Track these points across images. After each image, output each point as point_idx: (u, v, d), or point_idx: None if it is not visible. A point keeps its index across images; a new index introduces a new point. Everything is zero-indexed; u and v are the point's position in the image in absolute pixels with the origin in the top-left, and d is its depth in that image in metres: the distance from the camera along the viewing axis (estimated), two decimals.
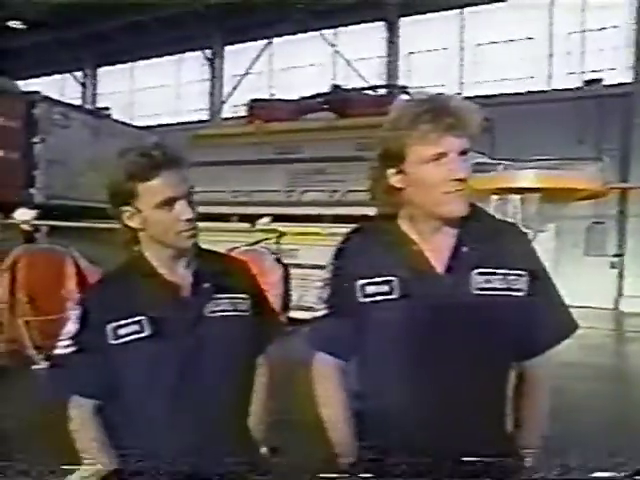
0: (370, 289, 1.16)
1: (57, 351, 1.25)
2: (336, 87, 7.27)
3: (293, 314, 5.23)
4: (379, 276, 1.16)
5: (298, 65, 10.24)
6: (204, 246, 1.38)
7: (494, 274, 1.14)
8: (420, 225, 1.17)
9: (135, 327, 1.23)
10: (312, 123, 6.43)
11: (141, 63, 11.79)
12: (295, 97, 7.38)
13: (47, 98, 6.44)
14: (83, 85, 12.47)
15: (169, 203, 1.23)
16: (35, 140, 6.13)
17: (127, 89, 12.02)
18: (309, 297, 5.63)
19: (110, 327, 1.23)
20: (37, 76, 12.18)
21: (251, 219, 6.31)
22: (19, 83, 6.84)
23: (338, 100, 6.73)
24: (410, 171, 1.13)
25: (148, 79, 11.65)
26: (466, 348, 1.12)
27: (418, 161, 1.11)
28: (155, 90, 11.61)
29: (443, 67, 9.49)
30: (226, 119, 9.79)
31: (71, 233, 5.14)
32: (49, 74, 12.49)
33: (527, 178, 2.40)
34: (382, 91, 7.60)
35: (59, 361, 1.24)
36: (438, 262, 1.15)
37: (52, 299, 4.29)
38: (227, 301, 1.31)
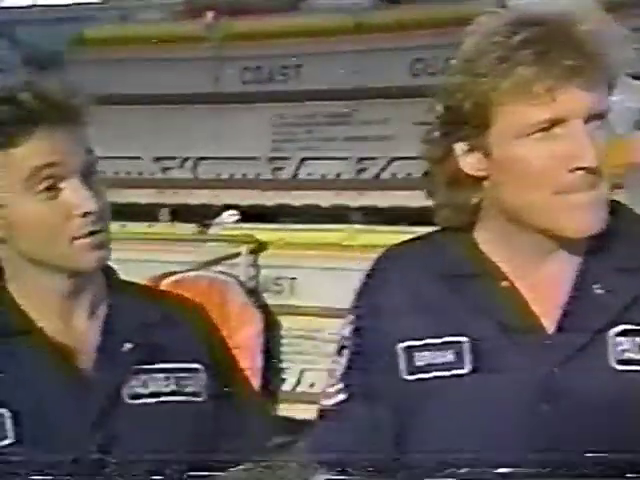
0: (422, 357, 1.39)
1: None
2: None
3: (288, 409, 5.59)
4: (438, 335, 1.39)
5: None
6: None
7: None
8: (514, 244, 1.40)
9: None
10: (325, 18, 6.65)
11: None
12: None
13: None
14: None
15: (52, 184, 1.46)
16: None
17: None
18: (319, 374, 5.86)
19: None
20: None
21: (199, 215, 6.62)
22: None
23: None
24: (497, 149, 1.35)
25: None
26: (598, 460, 1.29)
27: (512, 132, 1.33)
28: None
29: None
30: (139, 0, 9.86)
31: None
32: None
33: None
34: None
35: None
36: (545, 311, 1.37)
37: None
38: (163, 376, 1.54)
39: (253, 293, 6.03)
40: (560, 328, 1.37)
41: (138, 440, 1.48)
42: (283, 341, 6.06)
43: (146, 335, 1.56)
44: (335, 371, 1.50)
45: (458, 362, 1.37)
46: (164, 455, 1.45)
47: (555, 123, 1.31)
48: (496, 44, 1.32)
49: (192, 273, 6.11)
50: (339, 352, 1.50)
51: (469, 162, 1.38)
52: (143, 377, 1.53)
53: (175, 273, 5.99)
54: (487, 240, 1.43)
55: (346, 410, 1.47)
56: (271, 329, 5.98)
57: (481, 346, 1.37)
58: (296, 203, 6.35)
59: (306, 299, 6.13)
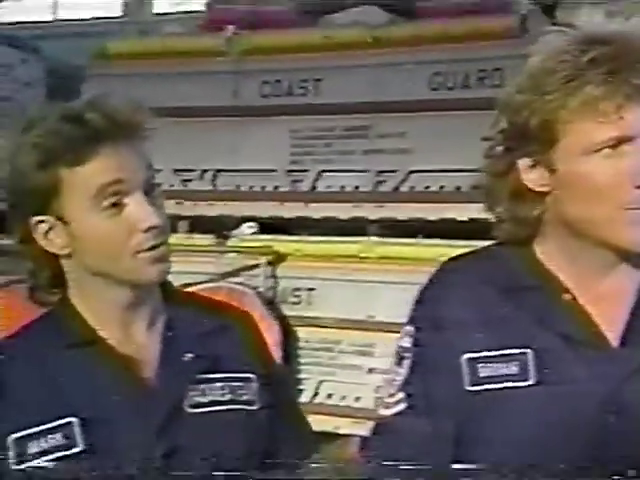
0: (486, 369, 1.40)
1: None
2: None
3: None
4: (502, 347, 1.40)
5: None
6: None
7: None
8: (576, 257, 1.41)
9: (58, 438, 1.47)
10: (344, 33, 6.67)
11: None
12: None
13: None
14: None
15: (117, 199, 1.49)
16: None
17: None
18: (336, 386, 5.90)
19: (13, 441, 1.47)
20: None
21: (217, 228, 6.61)
22: None
23: None
24: (562, 165, 1.36)
25: None
26: None
27: (578, 149, 1.34)
28: None
29: None
30: (160, 15, 9.82)
31: None
32: None
33: None
34: None
35: None
36: (608, 324, 1.38)
37: None
38: (220, 385, 1.57)
39: (271, 304, 6.02)
40: (624, 342, 1.37)
41: (199, 449, 1.49)
42: (301, 352, 6.06)
43: (204, 345, 1.58)
44: (394, 381, 1.50)
45: (522, 374, 1.38)
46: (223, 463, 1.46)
47: (622, 141, 1.32)
48: (564, 63, 1.33)
49: (211, 284, 6.09)
50: (398, 363, 1.51)
51: (532, 177, 1.39)
52: (202, 386, 1.56)
53: (194, 284, 5.96)
54: (548, 253, 1.44)
55: (406, 420, 1.47)
56: (289, 340, 5.97)
57: (545, 358, 1.37)
58: (314, 215, 6.35)
59: (324, 310, 6.13)
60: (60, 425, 1.47)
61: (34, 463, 1.46)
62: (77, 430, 1.47)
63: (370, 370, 5.62)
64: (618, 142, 1.32)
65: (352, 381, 5.77)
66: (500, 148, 1.42)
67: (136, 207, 1.49)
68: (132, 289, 1.54)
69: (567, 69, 1.31)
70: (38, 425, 1.47)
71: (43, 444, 1.46)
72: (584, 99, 1.30)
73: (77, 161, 1.47)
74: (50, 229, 1.51)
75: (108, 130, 1.49)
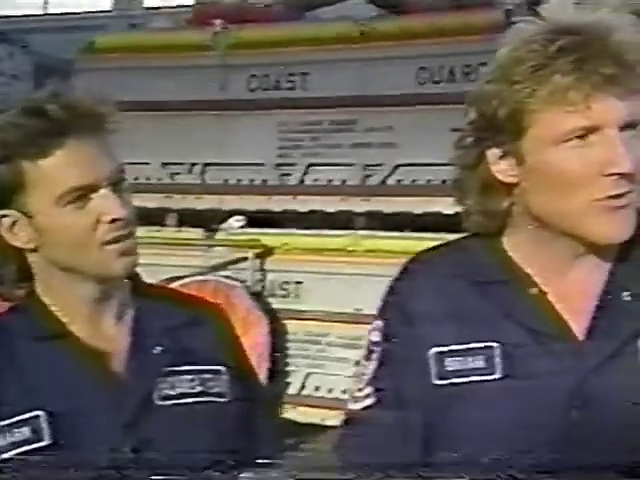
0: (453, 363, 1.38)
1: None
2: None
3: (293, 412, 5.65)
4: (469, 340, 1.37)
5: None
6: None
7: None
8: (543, 249, 1.39)
9: (26, 432, 1.45)
10: (331, 27, 6.66)
11: None
12: None
13: None
14: None
15: (82, 194, 1.45)
16: None
17: None
18: (324, 378, 5.91)
19: None
20: None
21: (206, 221, 6.62)
22: None
23: None
24: (531, 155, 1.33)
25: None
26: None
27: (547, 139, 1.31)
28: None
29: None
30: (148, 9, 9.79)
31: None
32: None
33: None
34: None
35: None
36: (575, 318, 1.36)
37: None
38: (189, 377, 1.54)
39: (259, 297, 6.03)
40: (590, 335, 1.35)
41: (169, 441, 1.47)
42: (288, 345, 6.06)
43: (173, 338, 1.55)
44: (363, 375, 1.48)
45: (489, 368, 1.36)
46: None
47: (590, 131, 1.29)
48: (533, 52, 1.30)
49: (198, 277, 6.09)
50: (367, 357, 1.49)
51: (501, 168, 1.36)
52: (171, 379, 1.53)
53: (181, 277, 6.00)
54: (516, 246, 1.41)
55: (374, 414, 1.45)
56: (277, 333, 5.98)
57: (512, 352, 1.35)
58: (302, 209, 6.36)
59: (311, 303, 6.15)
60: (27, 418, 1.45)
61: (1, 457, 1.43)
62: (44, 423, 1.45)
63: (357, 363, 5.60)
64: (586, 132, 1.29)
65: (339, 373, 5.77)
66: (470, 139, 1.40)
67: (101, 200, 1.46)
68: (99, 282, 1.52)
69: (535, 58, 1.29)
70: (5, 419, 1.45)
71: (9, 438, 1.44)
72: (552, 88, 1.28)
73: (39, 154, 1.44)
74: (14, 223, 1.48)
75: (70, 122, 1.45)
